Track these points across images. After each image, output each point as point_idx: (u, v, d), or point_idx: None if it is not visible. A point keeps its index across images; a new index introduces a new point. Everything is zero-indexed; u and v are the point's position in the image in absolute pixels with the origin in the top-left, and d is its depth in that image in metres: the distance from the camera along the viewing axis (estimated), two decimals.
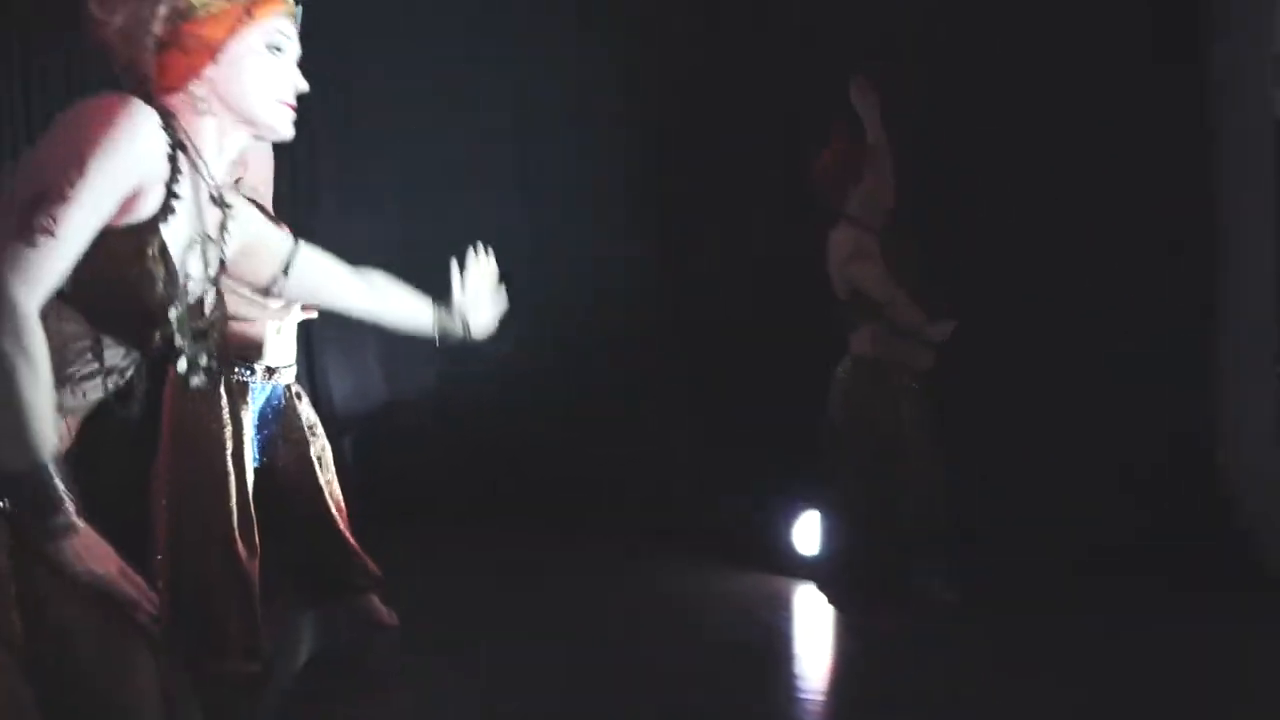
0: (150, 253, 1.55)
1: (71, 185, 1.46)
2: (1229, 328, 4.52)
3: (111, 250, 1.51)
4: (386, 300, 2.06)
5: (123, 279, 1.54)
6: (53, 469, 1.45)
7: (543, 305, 5.53)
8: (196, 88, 1.64)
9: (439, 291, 2.10)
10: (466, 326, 2.13)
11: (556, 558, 4.98)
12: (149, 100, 1.58)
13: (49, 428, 1.45)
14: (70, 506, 1.46)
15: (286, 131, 1.72)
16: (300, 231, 2.06)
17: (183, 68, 1.63)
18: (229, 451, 3.21)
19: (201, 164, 1.66)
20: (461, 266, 2.14)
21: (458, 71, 5.63)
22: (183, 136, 1.62)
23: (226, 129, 1.68)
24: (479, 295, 2.15)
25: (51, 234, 1.44)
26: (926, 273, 4.12)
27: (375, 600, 3.73)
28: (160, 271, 1.57)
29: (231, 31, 1.64)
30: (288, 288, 1.94)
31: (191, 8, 1.62)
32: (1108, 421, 4.45)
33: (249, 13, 1.64)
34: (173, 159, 1.58)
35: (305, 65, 1.69)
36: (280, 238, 1.94)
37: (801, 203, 4.96)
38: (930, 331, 4.03)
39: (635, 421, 5.30)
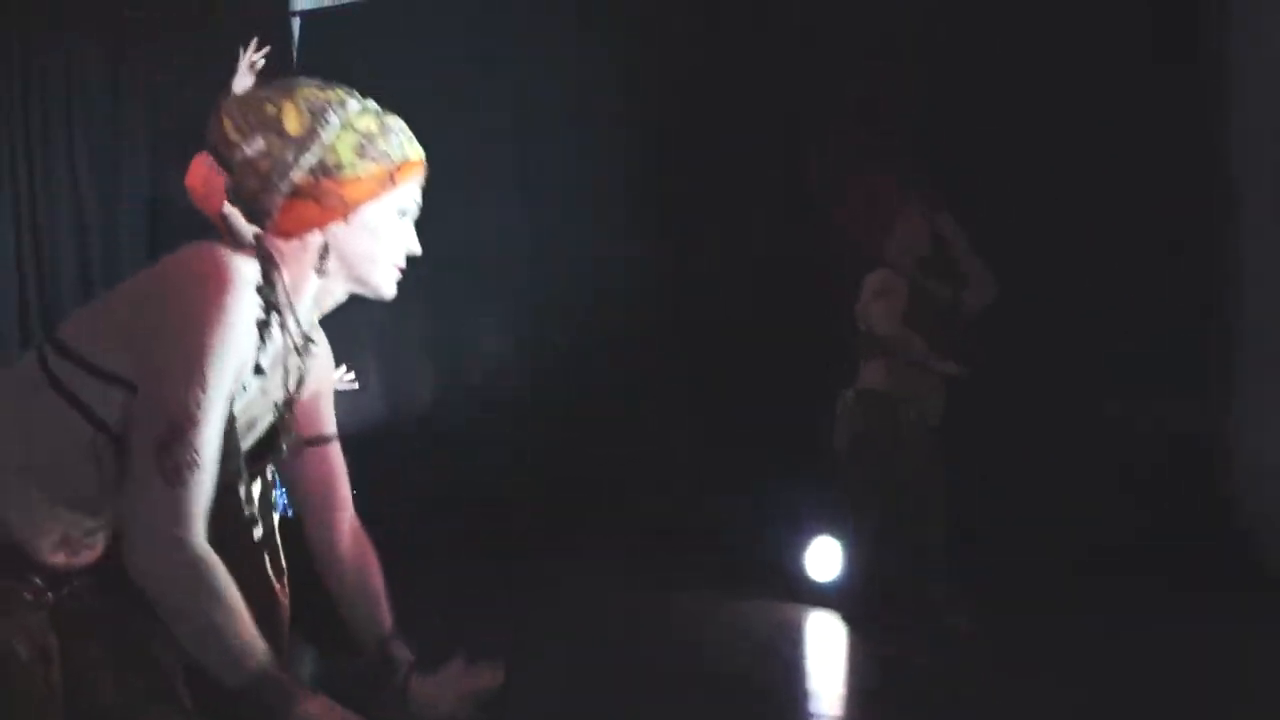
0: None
1: (200, 407, 1.42)
2: (1230, 327, 4.51)
3: None
4: (347, 574, 1.81)
5: None
6: (273, 671, 1.45)
7: (542, 306, 5.57)
8: (315, 238, 1.60)
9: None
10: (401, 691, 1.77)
11: (556, 576, 4.92)
12: (258, 242, 1.58)
13: (253, 640, 1.44)
14: (299, 694, 1.46)
15: (390, 294, 1.67)
16: None
17: (311, 220, 1.59)
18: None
19: (291, 318, 1.61)
20: None
21: (457, 71, 5.63)
22: (279, 293, 1.57)
23: (332, 285, 1.64)
24: (440, 699, 1.76)
25: (197, 466, 1.42)
26: (957, 321, 4.12)
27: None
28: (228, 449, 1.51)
29: (372, 196, 1.61)
30: (284, 458, 1.74)
31: (340, 166, 1.59)
32: (1108, 421, 4.44)
33: (393, 179, 1.62)
34: (264, 324, 1.54)
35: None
36: (328, 413, 1.83)
37: (801, 203, 5.00)
38: (935, 363, 4.03)
39: (636, 425, 5.28)
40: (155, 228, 5.98)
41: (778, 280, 5.08)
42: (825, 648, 4.29)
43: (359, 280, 1.65)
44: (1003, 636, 3.83)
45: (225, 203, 3.30)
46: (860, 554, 4.24)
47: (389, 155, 1.62)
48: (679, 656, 4.02)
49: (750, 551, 4.81)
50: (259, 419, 1.66)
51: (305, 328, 1.65)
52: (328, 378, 1.84)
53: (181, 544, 1.41)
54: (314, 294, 1.64)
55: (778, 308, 5.05)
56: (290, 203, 1.57)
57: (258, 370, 1.56)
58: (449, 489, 5.40)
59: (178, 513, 1.41)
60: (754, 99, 5.15)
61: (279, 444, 1.70)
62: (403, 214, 1.65)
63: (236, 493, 1.57)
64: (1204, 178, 4.53)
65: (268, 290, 1.55)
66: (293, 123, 1.57)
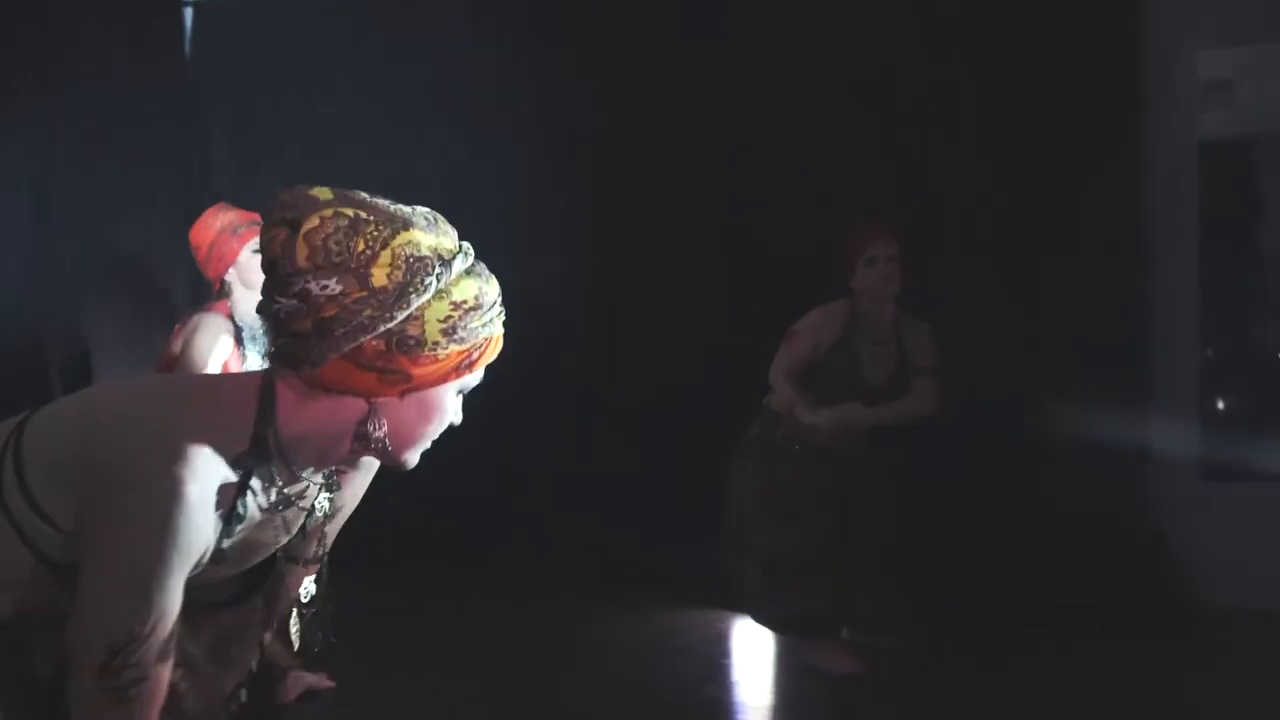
0: None
1: (145, 622, 1.30)
2: (1155, 357, 4.55)
3: None
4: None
5: None
6: None
7: None
8: (354, 403, 1.38)
9: None
10: None
11: (485, 590, 4.83)
12: (266, 384, 1.38)
13: None
14: None
15: (407, 468, 1.48)
16: None
17: (363, 388, 1.37)
18: None
19: (277, 482, 1.43)
20: None
21: (356, 66, 5.39)
22: (270, 453, 1.38)
23: (345, 447, 1.42)
24: None
25: (143, 680, 1.31)
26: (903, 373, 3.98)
27: (301, 677, 3.51)
28: None
29: (445, 380, 1.39)
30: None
31: (421, 343, 1.35)
32: (1040, 461, 4.43)
33: (471, 363, 1.41)
34: (244, 488, 1.38)
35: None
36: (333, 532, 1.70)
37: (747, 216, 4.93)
38: (801, 413, 3.89)
39: (563, 437, 5.18)
40: (40, 230, 5.65)
41: (710, 288, 5.02)
42: (755, 657, 4.27)
43: (388, 457, 1.44)
44: (931, 653, 3.85)
45: (229, 270, 3.08)
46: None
47: (476, 334, 1.39)
48: (610, 669, 3.98)
49: (681, 561, 4.74)
50: (248, 551, 1.50)
51: (307, 479, 1.47)
52: (351, 500, 1.67)
53: None
54: (322, 454, 1.43)
55: (716, 314, 4.99)
56: (344, 363, 1.33)
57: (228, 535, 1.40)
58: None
59: None
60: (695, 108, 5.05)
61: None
62: (462, 391, 1.45)
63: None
64: (1134, 206, 4.56)
65: (255, 457, 1.37)
66: (382, 275, 1.31)
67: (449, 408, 1.44)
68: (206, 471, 1.32)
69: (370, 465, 1.64)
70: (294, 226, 1.31)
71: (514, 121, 5.25)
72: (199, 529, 1.32)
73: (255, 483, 1.39)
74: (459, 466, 4.88)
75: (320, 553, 1.62)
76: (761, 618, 4.14)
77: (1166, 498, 4.46)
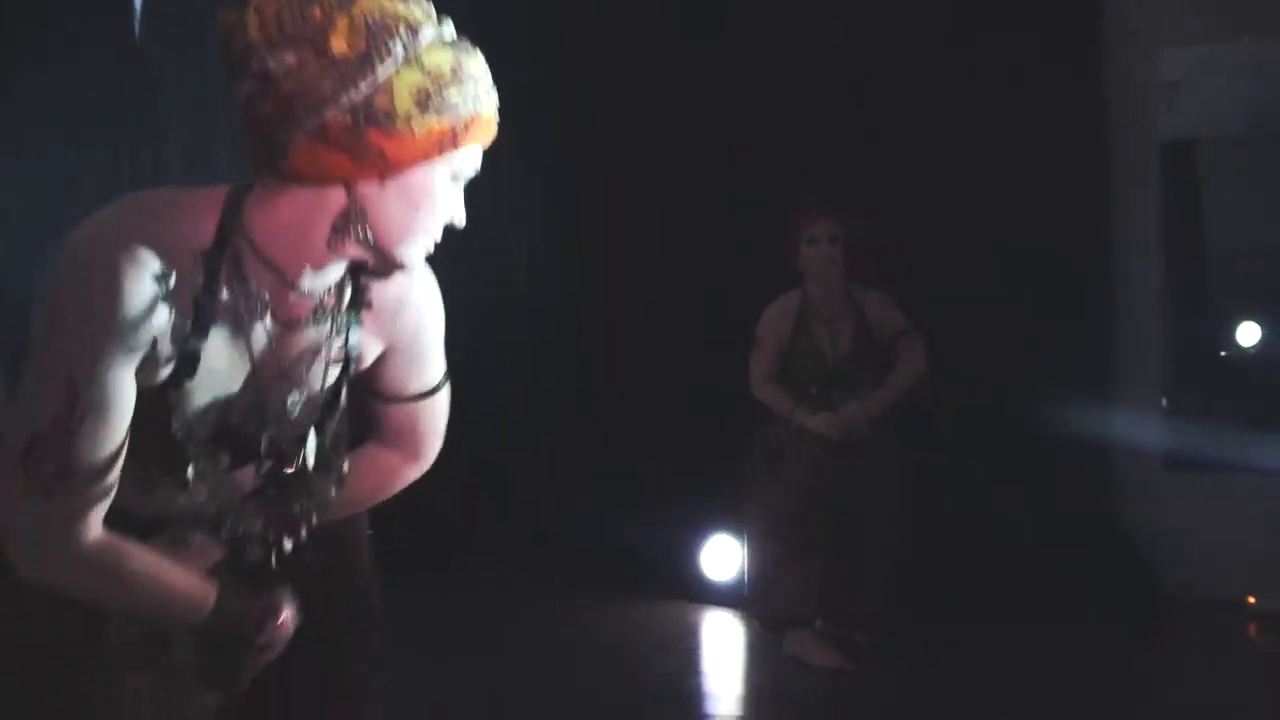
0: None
1: (70, 411, 1.23)
2: (1119, 352, 4.63)
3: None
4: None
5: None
6: (225, 604, 1.37)
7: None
8: (334, 196, 1.27)
9: None
10: None
11: (447, 583, 4.78)
12: (235, 190, 1.30)
13: (189, 588, 1.37)
14: (259, 610, 1.39)
15: (412, 269, 1.36)
16: None
17: (337, 172, 1.25)
18: None
19: (257, 295, 1.32)
20: None
21: None
22: (243, 260, 1.29)
23: (322, 236, 1.30)
24: None
25: (70, 475, 1.25)
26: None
27: None
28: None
29: (425, 159, 1.27)
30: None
31: (391, 115, 1.22)
32: (1003, 451, 4.46)
33: (455, 139, 1.27)
34: (207, 293, 1.28)
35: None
36: (415, 374, 1.57)
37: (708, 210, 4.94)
38: (801, 418, 3.92)
39: (526, 426, 5.13)
40: None
41: (678, 288, 5.02)
42: (723, 647, 4.29)
43: (379, 253, 1.31)
44: (902, 648, 3.88)
45: None
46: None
47: (457, 110, 1.25)
48: (576, 660, 3.99)
49: (646, 551, 4.75)
50: (261, 398, 1.40)
51: (316, 294, 1.36)
52: (407, 333, 1.51)
53: (64, 550, 1.29)
54: (315, 256, 1.31)
55: (671, 310, 4.99)
56: (312, 144, 1.22)
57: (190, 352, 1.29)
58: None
59: (53, 521, 1.27)
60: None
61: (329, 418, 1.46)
62: (455, 178, 1.33)
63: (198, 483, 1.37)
64: (1098, 203, 4.64)
65: (216, 248, 1.27)
66: (341, 43, 1.20)
67: (438, 194, 1.31)
68: (148, 256, 1.24)
69: (424, 301, 1.52)
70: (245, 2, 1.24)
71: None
72: (133, 313, 1.23)
73: (225, 292, 1.30)
74: (439, 465, 4.88)
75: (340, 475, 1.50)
76: (759, 612, 4.14)
77: (1130, 487, 4.57)
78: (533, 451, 5.07)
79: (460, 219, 1.36)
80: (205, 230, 1.29)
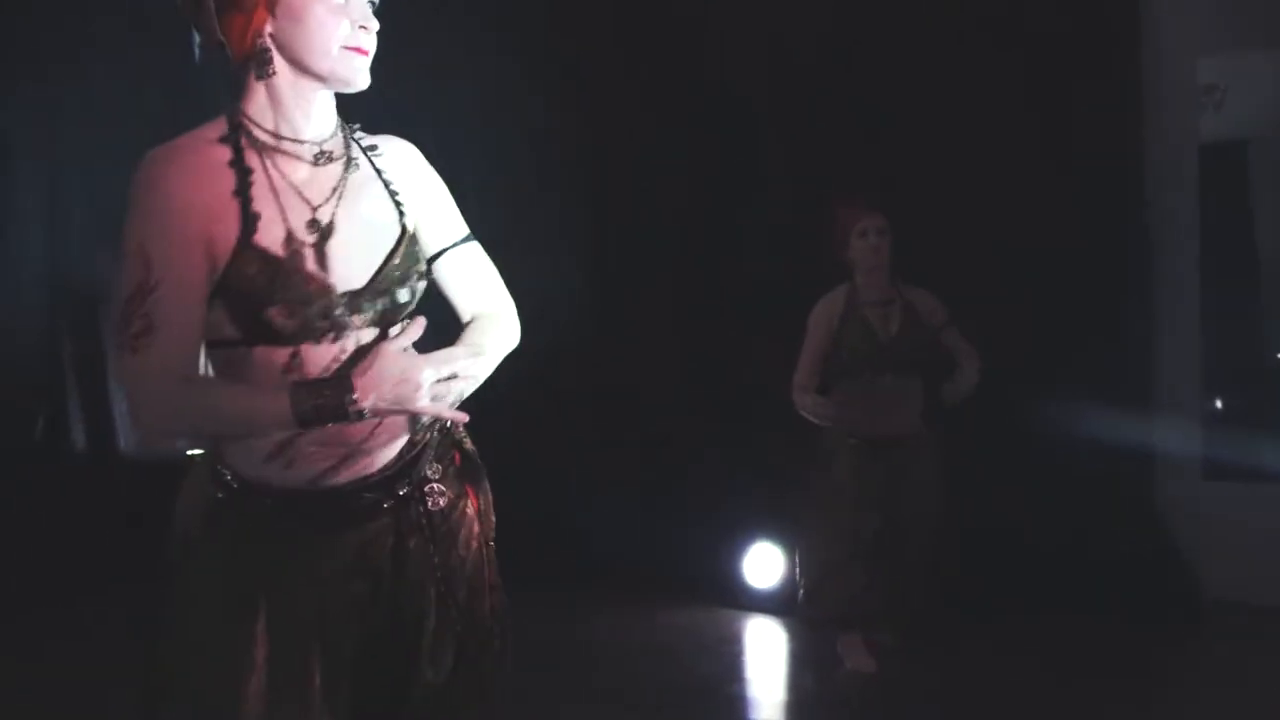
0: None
1: (146, 277, 1.51)
2: (1159, 360, 4.63)
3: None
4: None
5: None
6: (313, 399, 1.54)
7: None
8: (261, 46, 1.58)
9: None
10: None
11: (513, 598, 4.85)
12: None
13: (274, 397, 1.54)
14: (345, 390, 1.55)
15: (358, 80, 1.63)
16: None
17: (241, 27, 1.58)
18: None
19: (283, 143, 1.62)
20: None
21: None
22: (250, 126, 1.61)
23: (301, 88, 1.62)
24: None
25: (152, 329, 1.50)
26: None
27: None
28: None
29: None
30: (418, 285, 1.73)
31: None
32: (1043, 459, 4.48)
33: None
34: (237, 165, 1.58)
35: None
36: (446, 222, 1.81)
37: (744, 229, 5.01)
38: (826, 417, 3.94)
39: (572, 436, 5.23)
40: (53, 231, 5.69)
41: (714, 289, 5.10)
42: (766, 653, 4.37)
43: (315, 75, 1.61)
44: (948, 678, 3.88)
45: None
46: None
47: None
48: (621, 667, 4.07)
49: (690, 558, 4.85)
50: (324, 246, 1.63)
51: (315, 138, 1.65)
52: (427, 185, 1.79)
53: (164, 396, 1.54)
54: (294, 103, 1.62)
55: (710, 318, 5.07)
56: (221, 21, 1.57)
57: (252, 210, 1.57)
58: None
59: (145, 370, 1.52)
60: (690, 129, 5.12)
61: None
62: None
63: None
64: (1138, 209, 4.64)
65: (234, 132, 1.59)
66: None
67: (327, 11, 1.58)
68: (184, 150, 1.57)
69: (423, 164, 1.80)
70: None
71: (516, 121, 5.32)
72: (183, 196, 1.54)
73: (252, 160, 1.60)
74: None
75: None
76: (808, 613, 4.17)
77: (1169, 496, 4.57)
78: (579, 459, 5.17)
79: (370, 23, 1.61)
80: (220, 130, 1.62)
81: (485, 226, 5.23)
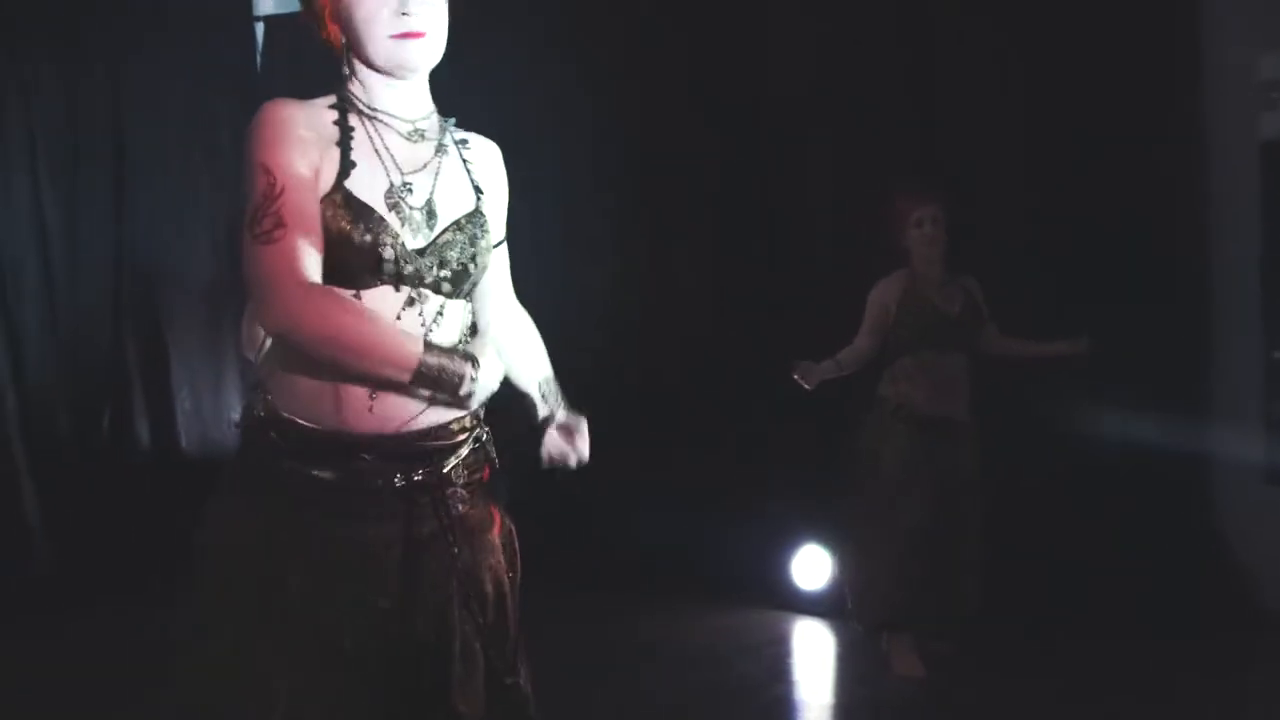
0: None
1: (272, 180, 1.66)
2: (1219, 362, 4.54)
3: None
4: (507, 344, 1.96)
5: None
6: (437, 355, 1.67)
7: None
8: (339, 47, 1.80)
9: None
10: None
11: (543, 600, 4.89)
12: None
13: (405, 336, 1.68)
14: (467, 363, 1.69)
15: (414, 62, 1.77)
16: None
17: (331, 37, 1.81)
18: None
19: (380, 115, 1.78)
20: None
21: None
22: (352, 101, 1.79)
23: (377, 77, 1.78)
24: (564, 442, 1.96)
25: (283, 225, 1.64)
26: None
27: None
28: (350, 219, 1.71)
29: None
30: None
31: None
32: (1099, 463, 4.41)
33: None
34: (341, 124, 1.76)
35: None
36: (500, 222, 1.96)
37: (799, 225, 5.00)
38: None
39: (618, 438, 5.23)
40: (120, 232, 5.85)
41: (756, 292, 5.09)
42: (813, 655, 4.36)
43: (372, 66, 1.77)
44: (993, 686, 3.82)
45: None
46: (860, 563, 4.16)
47: None
48: (668, 668, 4.09)
49: (738, 561, 4.84)
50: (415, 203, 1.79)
51: (413, 121, 1.81)
52: (498, 181, 1.96)
53: (293, 289, 1.63)
54: (381, 89, 1.79)
55: (760, 318, 5.05)
56: (320, 26, 1.80)
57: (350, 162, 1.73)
58: None
59: (280, 263, 1.63)
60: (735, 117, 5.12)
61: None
62: None
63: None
64: (1197, 211, 4.56)
65: (341, 103, 1.78)
66: None
67: (365, 6, 1.73)
68: (298, 103, 1.75)
69: (498, 163, 1.99)
70: None
71: (567, 125, 5.36)
72: (297, 126, 1.70)
73: (355, 121, 1.77)
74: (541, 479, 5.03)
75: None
76: (858, 620, 4.15)
77: (1229, 501, 4.47)
78: (628, 462, 5.17)
79: (407, 7, 1.73)
80: (329, 100, 1.81)
81: (534, 228, 5.43)
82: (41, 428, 5.35)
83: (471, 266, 1.81)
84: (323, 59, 5.80)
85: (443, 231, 1.78)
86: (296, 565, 1.69)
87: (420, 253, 1.74)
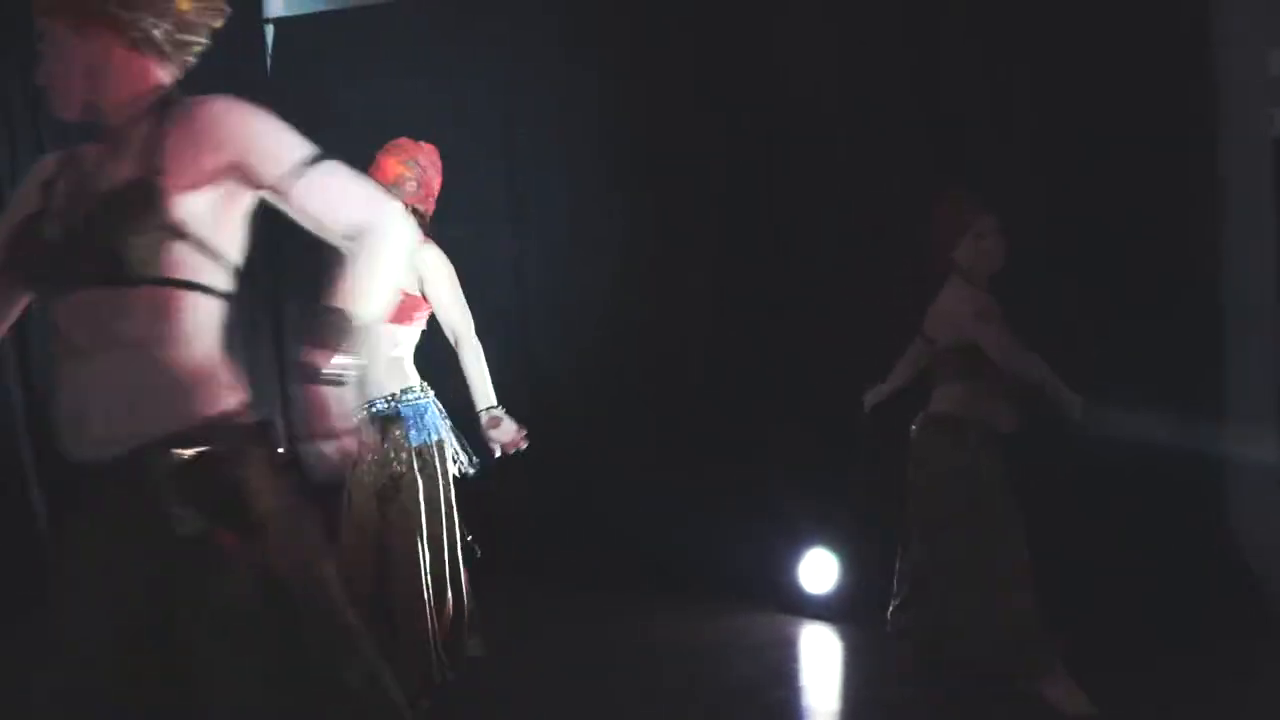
0: None
1: None
2: (1233, 362, 4.47)
3: None
4: None
5: None
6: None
7: (528, 318, 5.51)
8: None
9: None
10: None
11: (546, 592, 4.92)
12: None
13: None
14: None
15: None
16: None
17: None
18: None
19: None
20: None
21: (432, 80, 5.51)
22: None
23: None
24: None
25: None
26: None
27: None
28: None
29: None
30: None
31: None
32: (1111, 466, 4.33)
33: None
34: None
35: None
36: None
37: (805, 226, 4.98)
38: (1059, 391, 3.65)
39: (629, 439, 5.24)
40: None
41: (761, 295, 5.07)
42: (818, 660, 4.31)
43: None
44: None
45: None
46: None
47: None
48: (673, 669, 4.07)
49: (744, 564, 4.80)
50: None
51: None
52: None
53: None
54: None
55: (767, 321, 5.04)
56: None
57: None
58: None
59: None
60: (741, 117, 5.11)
61: None
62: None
63: None
64: (1209, 208, 4.50)
65: None
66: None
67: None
68: None
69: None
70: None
71: (574, 126, 5.35)
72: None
73: None
74: (550, 479, 5.06)
75: None
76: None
77: (1245, 504, 4.41)
78: (636, 463, 5.17)
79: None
80: None
81: (548, 230, 5.40)
82: (48, 425, 5.33)
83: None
84: (334, 65, 5.92)
85: None
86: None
87: None
